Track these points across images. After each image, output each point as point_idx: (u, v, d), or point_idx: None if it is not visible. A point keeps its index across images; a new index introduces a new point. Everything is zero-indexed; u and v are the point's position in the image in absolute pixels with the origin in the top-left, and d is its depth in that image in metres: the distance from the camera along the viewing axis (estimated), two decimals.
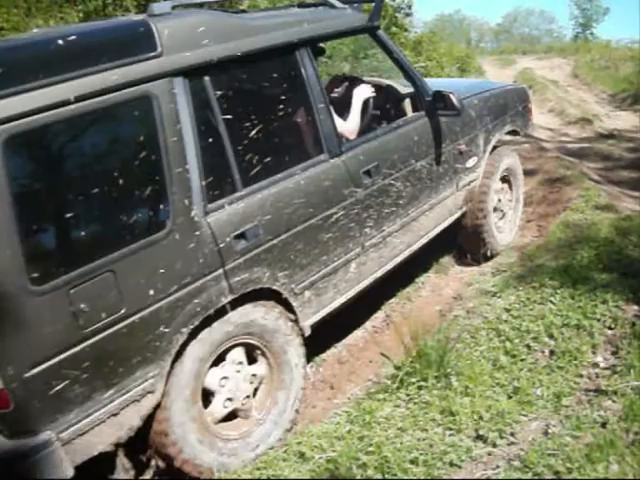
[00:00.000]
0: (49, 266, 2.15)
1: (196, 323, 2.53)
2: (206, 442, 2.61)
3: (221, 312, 2.63)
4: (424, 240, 3.92)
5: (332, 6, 3.47)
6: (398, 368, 3.00)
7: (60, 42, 2.22)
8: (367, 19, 3.53)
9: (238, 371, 2.77)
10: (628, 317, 3.15)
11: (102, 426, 2.32)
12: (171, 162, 2.45)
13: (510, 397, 2.69)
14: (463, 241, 4.51)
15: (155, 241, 2.41)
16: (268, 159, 2.86)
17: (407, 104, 4.00)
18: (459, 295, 4.09)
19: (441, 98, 3.69)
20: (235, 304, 2.68)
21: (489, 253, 4.45)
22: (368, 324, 3.97)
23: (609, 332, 3.08)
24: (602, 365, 2.86)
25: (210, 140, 2.63)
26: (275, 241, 2.84)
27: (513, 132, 4.67)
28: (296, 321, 2.97)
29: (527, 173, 6.40)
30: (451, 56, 15.83)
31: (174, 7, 2.73)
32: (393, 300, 4.17)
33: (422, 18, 29.33)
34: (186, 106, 2.53)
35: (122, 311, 2.31)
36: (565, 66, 20.00)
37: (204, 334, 2.58)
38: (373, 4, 3.59)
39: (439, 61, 12.66)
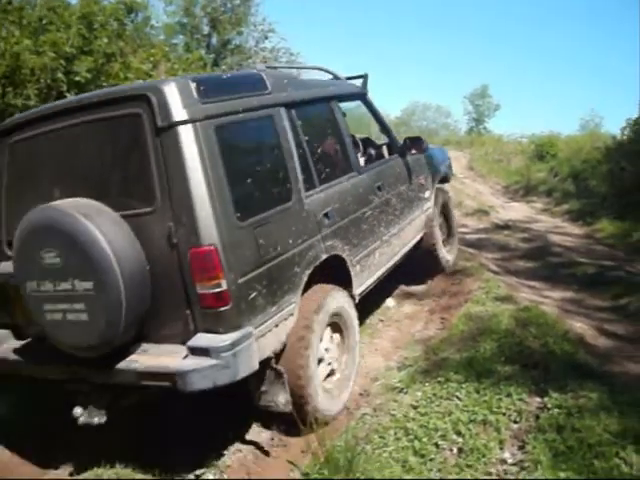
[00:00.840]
0: (245, 211, 3.22)
1: (312, 269, 3.69)
2: (320, 390, 3.64)
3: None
4: (406, 249, 5.39)
5: (336, 77, 5.23)
6: (306, 475, 2.93)
7: (224, 77, 4.14)
8: (361, 89, 5.32)
9: (331, 342, 3.89)
10: (532, 410, 3.27)
11: (269, 334, 3.30)
12: (287, 159, 3.73)
13: None
14: (420, 262, 5.89)
15: (288, 207, 3.61)
16: (328, 168, 4.23)
17: (384, 149, 5.87)
18: (366, 391, 4.08)
19: (414, 140, 5.49)
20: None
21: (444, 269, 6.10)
22: (274, 425, 3.86)
23: (515, 426, 3.17)
24: (510, 461, 2.92)
25: (300, 150, 3.88)
26: (341, 223, 4.14)
27: (444, 177, 6.54)
28: (351, 292, 4.16)
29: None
30: None
31: (267, 67, 4.51)
32: None
33: None
34: (288, 126, 3.83)
35: (278, 249, 3.40)
36: (461, 158, 21.26)
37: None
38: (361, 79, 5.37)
39: None
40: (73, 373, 3.25)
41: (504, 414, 3.23)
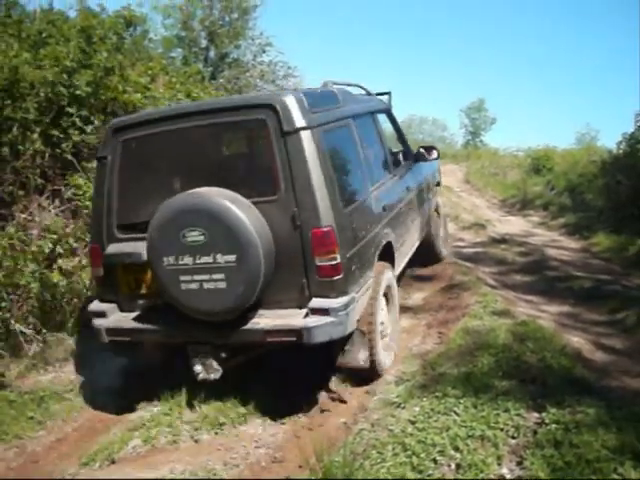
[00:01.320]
0: (345, 201, 4.12)
1: (380, 250, 4.60)
2: (381, 348, 4.44)
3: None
4: (418, 241, 6.42)
5: (368, 93, 6.01)
6: None
7: (316, 93, 4.60)
8: (387, 104, 6.42)
9: (383, 309, 4.61)
10: (530, 425, 3.27)
11: (360, 301, 4.11)
12: (360, 160, 4.72)
13: None
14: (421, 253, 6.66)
15: (365, 199, 4.56)
16: (377, 170, 5.23)
17: (400, 156, 6.45)
18: (363, 406, 4.08)
19: (427, 149, 6.82)
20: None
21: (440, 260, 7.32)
22: (270, 440, 3.87)
23: (513, 442, 3.16)
24: (508, 477, 2.91)
25: (362, 154, 4.78)
26: (391, 215, 5.04)
27: (438, 182, 7.84)
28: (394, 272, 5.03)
29: (426, 279, 6.70)
30: None
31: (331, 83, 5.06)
32: (297, 414, 4.10)
33: None
34: (356, 134, 4.76)
35: (363, 233, 4.29)
36: (458, 172, 21.38)
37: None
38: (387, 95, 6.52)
39: None
40: (196, 336, 3.98)
41: (502, 429, 3.23)
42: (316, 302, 3.80)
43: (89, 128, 6.20)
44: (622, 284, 6.98)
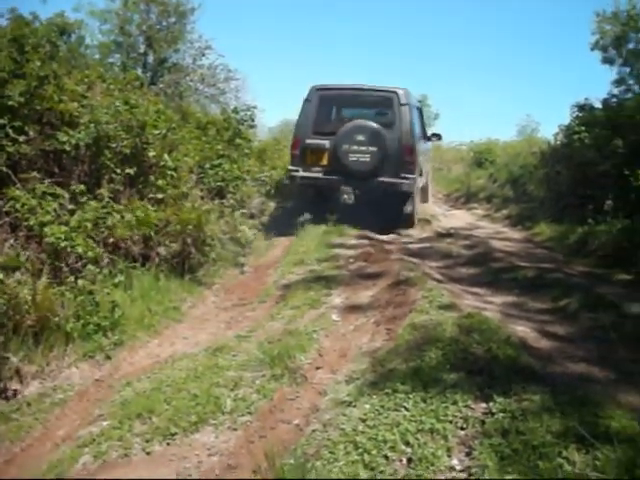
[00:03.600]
0: (416, 137, 10.46)
1: None
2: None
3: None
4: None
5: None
6: None
7: (408, 90, 11.08)
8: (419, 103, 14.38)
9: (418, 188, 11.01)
10: (478, 415, 3.34)
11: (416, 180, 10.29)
12: (419, 125, 11.24)
13: None
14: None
15: (420, 139, 11.23)
16: (423, 134, 12.56)
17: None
18: (315, 407, 4.09)
19: (435, 134, 13.47)
20: None
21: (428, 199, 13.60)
22: (223, 446, 3.84)
23: (461, 433, 3.23)
24: (458, 468, 2.97)
25: (419, 123, 11.67)
26: (424, 152, 12.05)
27: None
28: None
29: (373, 276, 6.76)
30: None
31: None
32: (246, 417, 4.08)
33: (266, 124, 30.99)
34: (416, 113, 11.45)
35: (420, 162, 10.91)
36: None
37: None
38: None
39: (284, 169, 13.24)
40: (348, 183, 10.04)
41: (451, 422, 3.29)
42: (403, 175, 9.77)
43: (21, 138, 6.03)
44: (564, 272, 7.20)
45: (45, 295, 5.16)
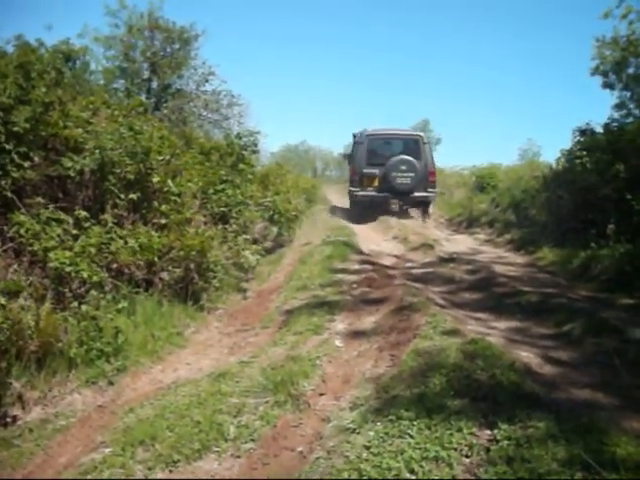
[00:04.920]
0: (432, 164, 17.16)
1: None
2: None
3: None
4: None
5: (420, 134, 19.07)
6: None
7: (425, 133, 20.12)
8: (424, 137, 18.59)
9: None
10: (482, 443, 3.32)
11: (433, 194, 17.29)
12: (431, 157, 16.78)
13: None
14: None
15: (432, 164, 16.94)
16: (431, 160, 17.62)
17: None
18: (319, 434, 4.07)
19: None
20: None
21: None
22: (226, 474, 3.82)
23: (466, 460, 3.21)
24: None
25: (431, 156, 16.93)
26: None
27: None
28: None
29: (377, 302, 6.75)
30: (297, 188, 16.57)
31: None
32: (249, 445, 4.06)
33: (269, 149, 31.25)
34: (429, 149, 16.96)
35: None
36: None
37: None
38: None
39: (286, 194, 13.26)
40: (395, 197, 15.90)
41: (455, 449, 3.27)
42: (430, 190, 16.00)
43: (26, 164, 6.08)
44: (567, 296, 7.19)
45: (48, 320, 5.17)
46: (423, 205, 16.06)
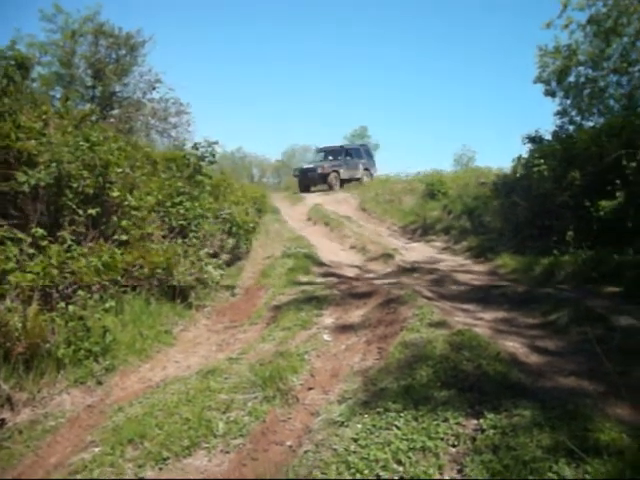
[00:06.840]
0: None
1: None
2: None
3: None
4: None
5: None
6: None
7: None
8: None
9: None
10: (469, 432, 3.36)
11: None
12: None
13: None
14: None
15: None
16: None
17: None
18: (307, 427, 4.09)
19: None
20: None
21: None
22: (216, 470, 3.83)
23: (453, 450, 3.24)
24: None
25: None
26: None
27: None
28: None
29: (364, 296, 6.77)
30: (247, 197, 15.84)
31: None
32: (239, 440, 4.08)
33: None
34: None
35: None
36: (351, 200, 21.82)
37: None
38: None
39: (242, 205, 13.00)
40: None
41: (442, 439, 3.31)
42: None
43: None
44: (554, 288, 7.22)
45: (35, 322, 5.15)
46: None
